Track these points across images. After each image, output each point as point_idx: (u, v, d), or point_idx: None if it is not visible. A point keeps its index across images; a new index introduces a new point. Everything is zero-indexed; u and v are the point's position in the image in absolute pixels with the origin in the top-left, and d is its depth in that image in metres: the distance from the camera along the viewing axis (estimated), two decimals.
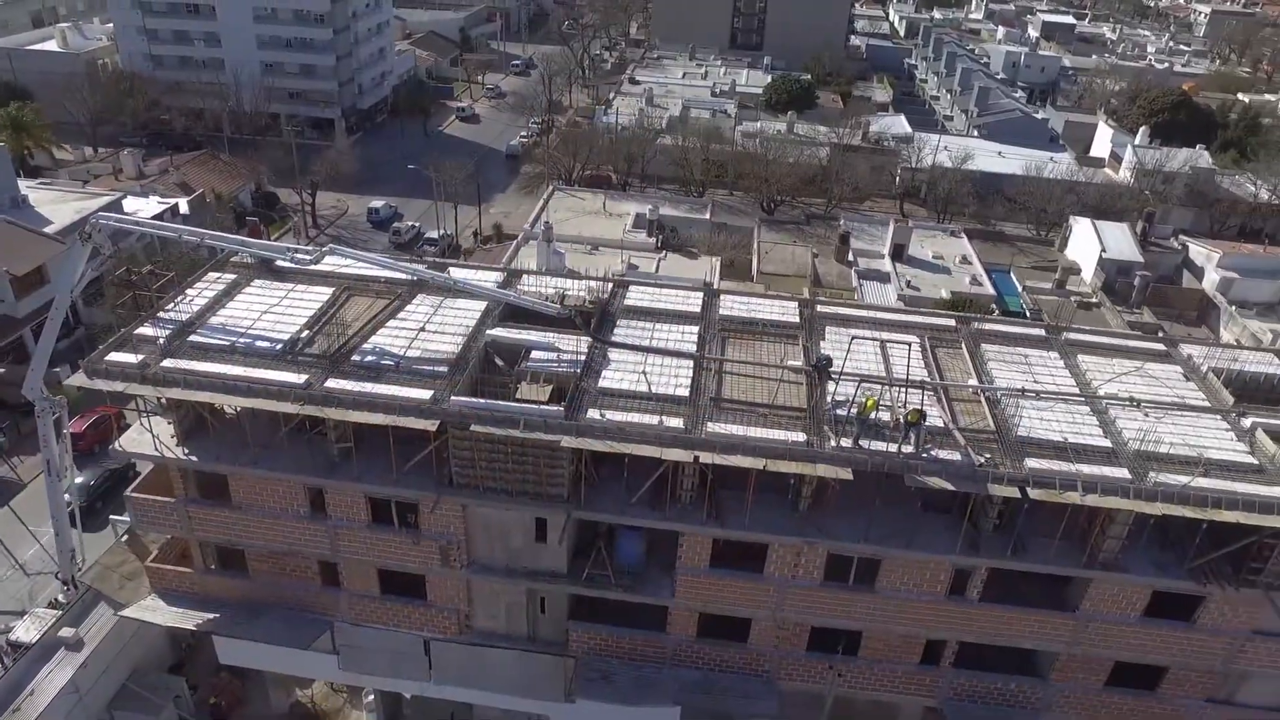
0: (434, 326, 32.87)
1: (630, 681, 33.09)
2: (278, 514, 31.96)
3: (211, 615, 34.13)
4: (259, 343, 31.26)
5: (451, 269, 37.52)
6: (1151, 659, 31.33)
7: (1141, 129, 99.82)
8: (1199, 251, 71.31)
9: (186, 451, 31.22)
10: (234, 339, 31.37)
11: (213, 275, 35.78)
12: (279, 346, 31.08)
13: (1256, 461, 29.05)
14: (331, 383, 29.40)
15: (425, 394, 29.10)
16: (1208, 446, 29.32)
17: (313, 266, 34.87)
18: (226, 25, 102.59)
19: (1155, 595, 29.65)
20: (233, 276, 35.71)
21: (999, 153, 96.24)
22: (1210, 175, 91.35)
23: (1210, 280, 68.47)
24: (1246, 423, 30.90)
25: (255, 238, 71.62)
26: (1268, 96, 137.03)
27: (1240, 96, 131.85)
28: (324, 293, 34.78)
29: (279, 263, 35.58)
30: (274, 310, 33.25)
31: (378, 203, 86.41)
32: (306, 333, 31.99)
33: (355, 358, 30.81)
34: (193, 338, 31.51)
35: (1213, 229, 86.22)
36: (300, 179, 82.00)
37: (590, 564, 31.48)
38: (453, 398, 28.95)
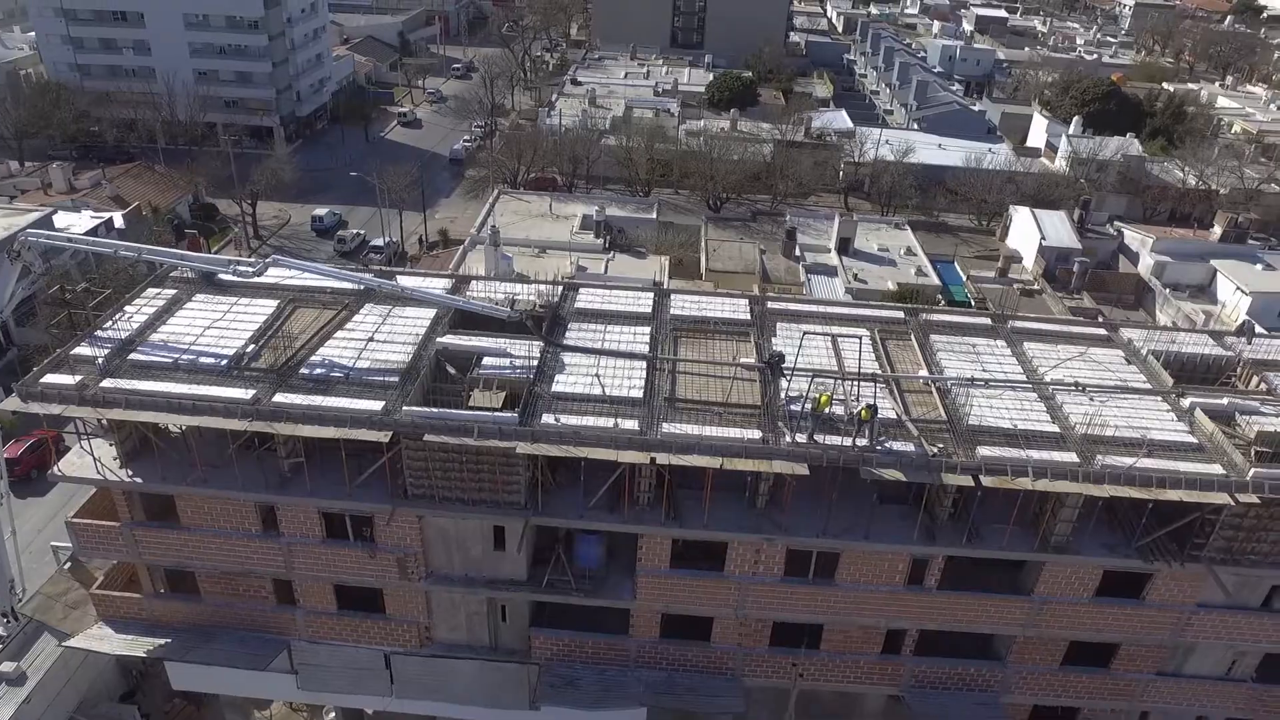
0: (383, 336, 32.39)
1: (595, 685, 32.95)
2: (228, 533, 31.21)
3: (162, 641, 33.21)
4: (203, 359, 30.50)
5: (399, 277, 37.01)
6: (1104, 637, 32.10)
7: (1075, 119, 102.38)
8: (1134, 237, 73.36)
9: (130, 473, 30.34)
10: (177, 356, 30.55)
11: (152, 291, 34.82)
12: (224, 362, 30.36)
13: (1196, 440, 29.89)
14: (280, 397, 28.80)
15: (377, 405, 28.64)
16: (1150, 428, 30.11)
17: (256, 279, 34.12)
18: (156, 33, 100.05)
19: (1106, 575, 30.36)
20: (173, 292, 34.80)
21: (939, 145, 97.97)
22: (1141, 163, 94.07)
23: (1145, 265, 70.48)
24: (1186, 403, 31.78)
25: (195, 250, 69.87)
26: (1190, 86, 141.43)
27: (1165, 86, 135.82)
28: (269, 305, 34.07)
29: (221, 276, 34.75)
30: (218, 325, 32.48)
31: (321, 211, 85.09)
32: (252, 347, 31.29)
33: (304, 371, 30.22)
34: (133, 356, 30.60)
35: (1145, 215, 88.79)
36: (240, 189, 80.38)
37: (550, 570, 31.28)
38: (405, 408, 28.55)
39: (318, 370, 30.29)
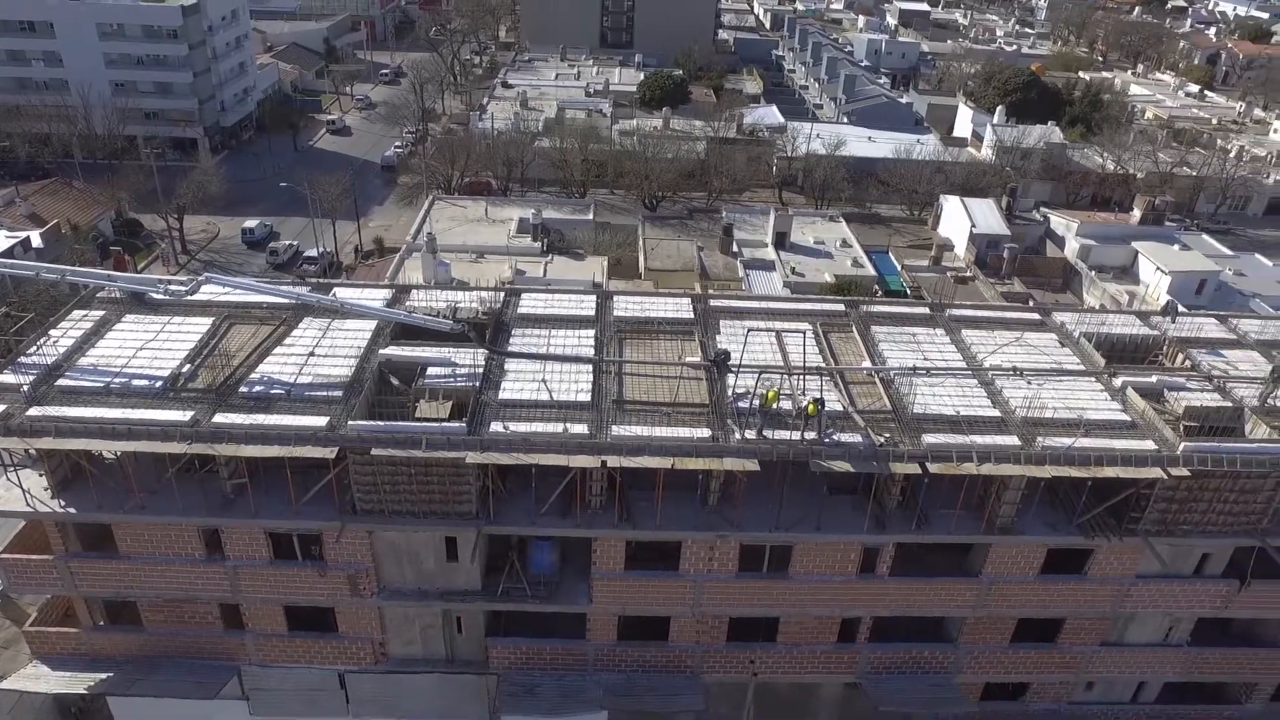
0: (324, 350, 31.83)
1: (554, 692, 32.82)
2: (171, 560, 30.36)
3: (104, 675, 32.19)
4: (136, 381, 29.60)
5: (337, 289, 36.38)
6: (1050, 612, 33.06)
7: (998, 108, 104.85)
8: (1059, 222, 75.47)
9: (63, 504, 29.32)
10: (108, 380, 29.60)
11: (78, 313, 33.69)
12: (159, 384, 29.51)
13: (1129, 418, 30.92)
14: (220, 417, 28.10)
15: (321, 420, 28.11)
16: (1086, 408, 31.06)
17: (189, 297, 33.23)
18: (68, 43, 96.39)
19: (1050, 553, 31.25)
20: (101, 313, 33.71)
21: (869, 137, 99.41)
22: (1062, 150, 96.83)
23: (1071, 249, 72.55)
24: (1117, 382, 32.83)
25: (121, 269, 67.91)
26: (1105, 74, 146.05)
27: (1082, 75, 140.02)
28: (203, 323, 33.22)
29: (152, 295, 33.78)
30: (150, 346, 31.55)
31: (251, 223, 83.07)
32: (188, 367, 30.49)
33: (243, 389, 29.55)
34: (61, 381, 29.57)
35: (1068, 200, 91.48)
36: (165, 203, 78.01)
37: (504, 578, 31.10)
38: (350, 422, 28.08)
39: (258, 388, 29.64)
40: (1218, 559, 32.19)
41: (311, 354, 31.51)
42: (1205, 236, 76.42)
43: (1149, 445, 29.41)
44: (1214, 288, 65.82)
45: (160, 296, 33.60)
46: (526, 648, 32.96)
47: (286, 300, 34.12)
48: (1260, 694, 36.42)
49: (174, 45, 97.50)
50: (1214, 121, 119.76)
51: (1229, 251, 73.94)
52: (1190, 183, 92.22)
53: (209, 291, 34.10)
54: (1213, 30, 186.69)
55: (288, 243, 80.00)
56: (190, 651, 32.62)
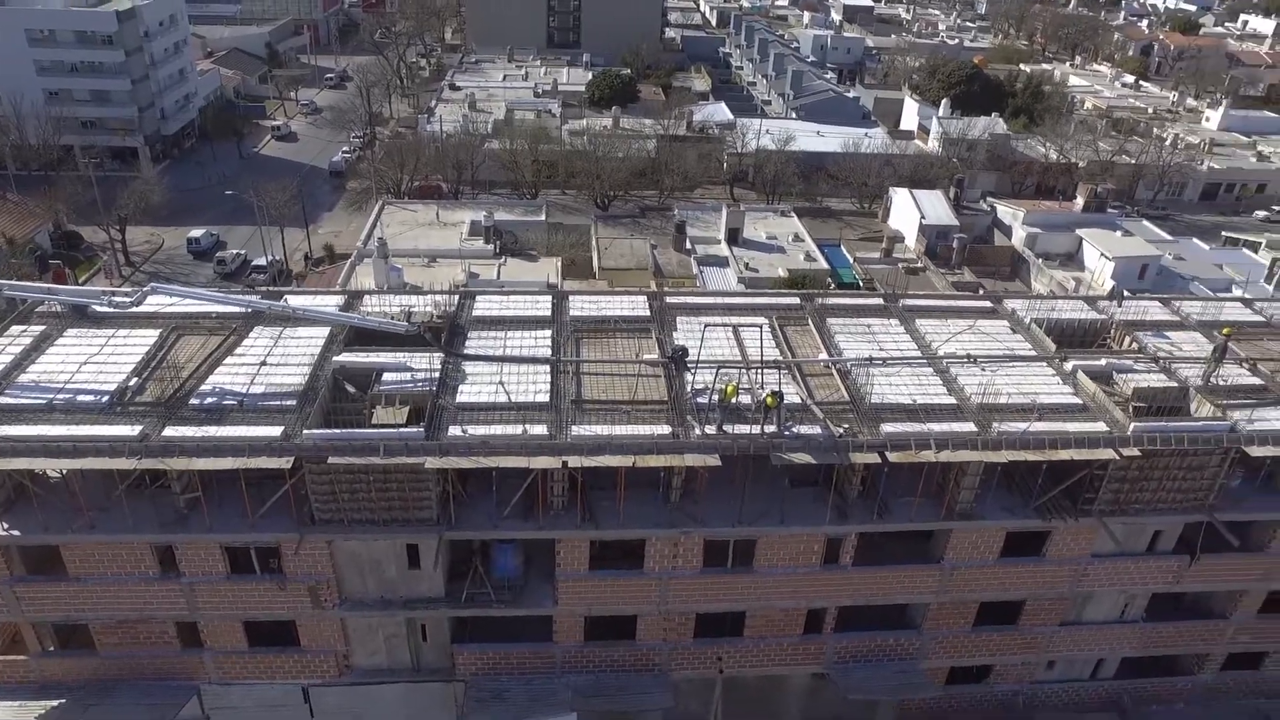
0: (276, 359, 31.24)
1: (522, 696, 32.57)
2: (123, 579, 29.54)
3: (55, 702, 31.20)
4: (81, 397, 28.79)
5: (288, 296, 35.74)
6: (1011, 595, 33.60)
7: (943, 101, 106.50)
8: (1006, 211, 76.86)
9: (6, 526, 28.38)
10: (51, 396, 28.74)
11: (16, 329, 32.67)
12: (105, 399, 28.72)
13: (1080, 401, 31.51)
14: (170, 430, 27.43)
15: (275, 431, 27.58)
16: (1039, 392, 31.58)
17: (134, 309, 32.40)
18: None
19: (1009, 536, 31.76)
20: (41, 328, 32.72)
21: (818, 132, 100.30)
22: (1006, 140, 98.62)
23: (1018, 237, 73.92)
24: (1068, 366, 33.45)
25: (61, 282, 65.82)
26: (1045, 66, 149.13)
27: (1023, 67, 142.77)
28: (150, 335, 32.41)
29: (95, 308, 32.89)
30: (95, 360, 30.71)
31: (197, 232, 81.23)
32: (135, 380, 29.71)
33: (194, 401, 28.87)
34: (0, 400, 28.63)
35: (1014, 190, 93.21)
36: (106, 215, 76.00)
37: (468, 583, 30.77)
38: (305, 431, 27.58)
39: (209, 399, 28.99)
40: (1169, 535, 32.95)
41: (264, 363, 30.90)
42: (1145, 222, 78.45)
43: (1100, 427, 30.00)
44: (1155, 272, 67.56)
45: (104, 309, 32.73)
46: (493, 653, 32.67)
47: (237, 309, 33.41)
48: (1211, 664, 37.42)
49: (109, 52, 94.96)
50: (1150, 111, 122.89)
51: (1168, 236, 76.03)
52: (1129, 170, 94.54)
53: (155, 303, 33.32)
54: (1145, 22, 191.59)
55: (235, 252, 78.44)
56: (147, 673, 31.81)
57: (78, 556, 29.14)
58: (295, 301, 34.39)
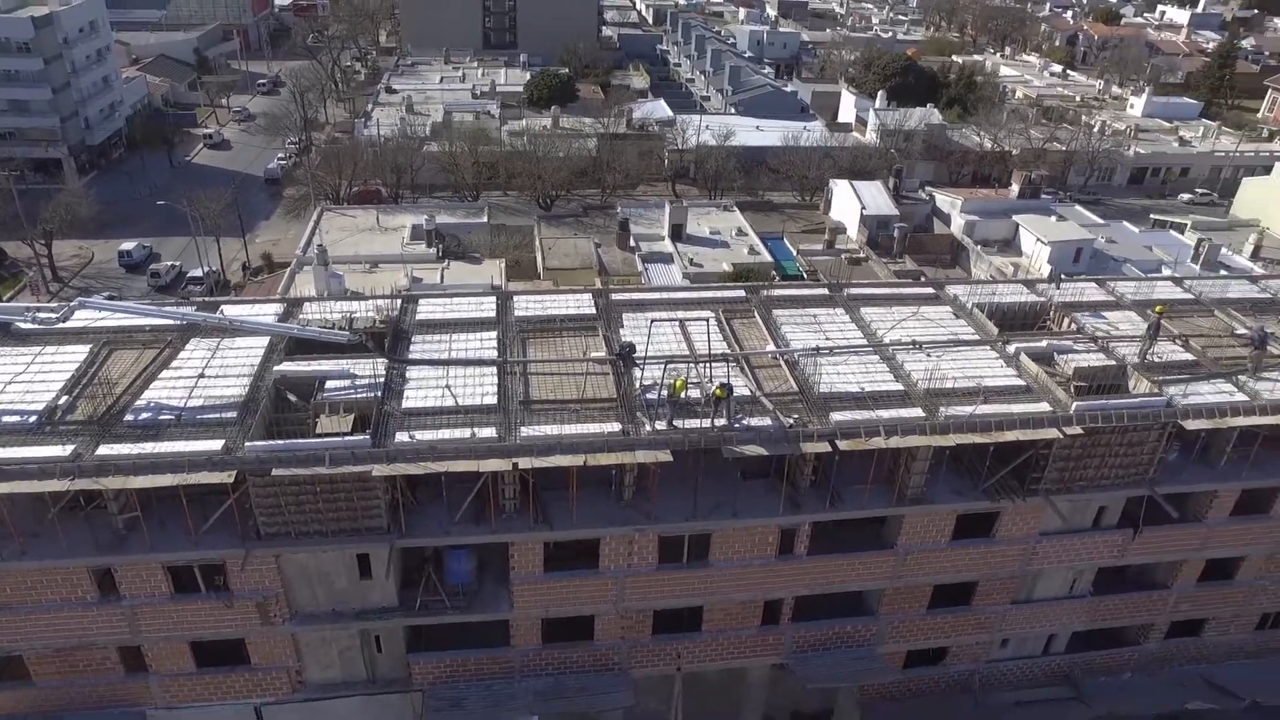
0: (214, 370, 30.38)
1: (481, 702, 32.18)
2: (59, 606, 28.46)
3: None
4: (7, 418, 27.67)
5: (224, 307, 34.80)
6: (963, 577, 34.02)
7: (879, 93, 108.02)
8: (944, 200, 78.18)
9: None
10: None
11: None
12: (33, 418, 27.64)
13: (1024, 383, 32.04)
14: (104, 449, 26.49)
15: (216, 444, 26.80)
16: (983, 375, 32.02)
17: (62, 324, 31.26)
18: None
19: (959, 519, 32.18)
20: None
21: (757, 127, 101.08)
22: (942, 130, 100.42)
23: (957, 225, 75.21)
24: (1011, 349, 33.99)
25: None
26: (976, 57, 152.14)
27: (955, 58, 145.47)
28: (80, 351, 31.29)
29: (19, 325, 31.67)
30: (21, 379, 29.56)
31: (129, 245, 78.92)
32: (65, 398, 28.66)
33: (129, 417, 27.93)
34: None
35: (951, 178, 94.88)
36: (30, 229, 73.50)
37: (421, 591, 30.25)
38: (247, 443, 26.85)
39: (144, 415, 28.07)
40: (1112, 511, 33.69)
41: (201, 375, 30.04)
42: (1078, 207, 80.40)
43: (1044, 407, 30.52)
44: (1089, 255, 69.26)
45: (29, 326, 31.52)
46: (450, 660, 32.20)
47: (171, 321, 32.45)
48: (1156, 633, 38.38)
49: (27, 60, 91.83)
50: (1077, 99, 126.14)
51: (1100, 220, 78.02)
52: (1061, 157, 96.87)
53: (84, 317, 32.24)
54: (1070, 13, 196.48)
55: (170, 263, 76.40)
56: (88, 703, 30.74)
57: (9, 584, 27.97)
58: (232, 311, 33.50)
